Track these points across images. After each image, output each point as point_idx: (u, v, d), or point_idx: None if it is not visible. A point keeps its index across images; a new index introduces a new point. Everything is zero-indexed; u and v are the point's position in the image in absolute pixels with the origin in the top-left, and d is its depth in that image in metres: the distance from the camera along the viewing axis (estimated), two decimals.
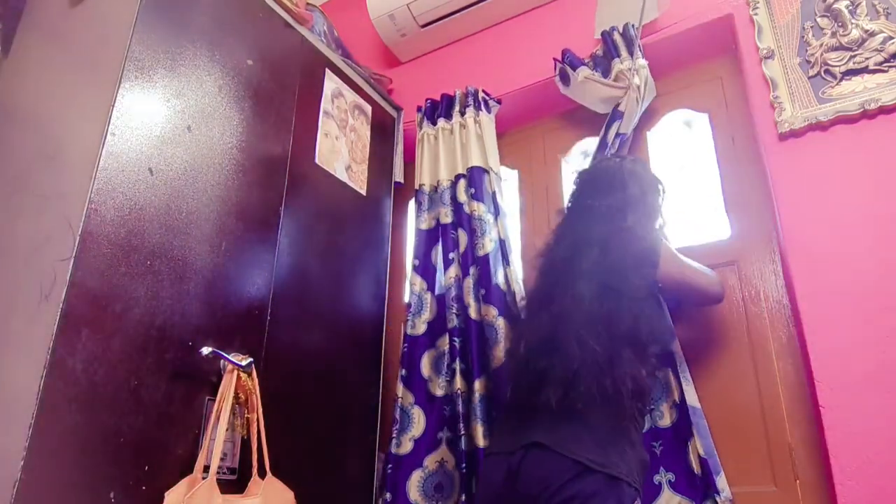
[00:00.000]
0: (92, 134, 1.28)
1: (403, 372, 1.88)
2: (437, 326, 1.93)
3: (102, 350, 1.17)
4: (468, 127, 2.06)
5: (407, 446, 1.80)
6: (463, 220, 1.94)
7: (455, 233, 1.97)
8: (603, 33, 1.91)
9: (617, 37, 1.88)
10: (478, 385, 1.72)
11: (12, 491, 1.00)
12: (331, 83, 1.99)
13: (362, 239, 2.00)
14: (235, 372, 1.34)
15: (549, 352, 1.31)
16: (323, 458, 1.66)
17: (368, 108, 2.17)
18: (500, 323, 1.75)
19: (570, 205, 1.62)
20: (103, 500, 1.13)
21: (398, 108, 2.34)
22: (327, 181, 1.88)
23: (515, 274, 1.84)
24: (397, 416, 1.82)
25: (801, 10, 1.69)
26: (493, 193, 1.96)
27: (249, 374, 1.37)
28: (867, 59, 1.55)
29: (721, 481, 1.44)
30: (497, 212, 1.93)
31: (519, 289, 1.81)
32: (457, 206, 1.98)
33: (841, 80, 1.57)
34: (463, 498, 1.66)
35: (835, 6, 1.63)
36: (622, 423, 1.27)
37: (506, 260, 1.86)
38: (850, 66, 1.57)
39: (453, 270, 1.91)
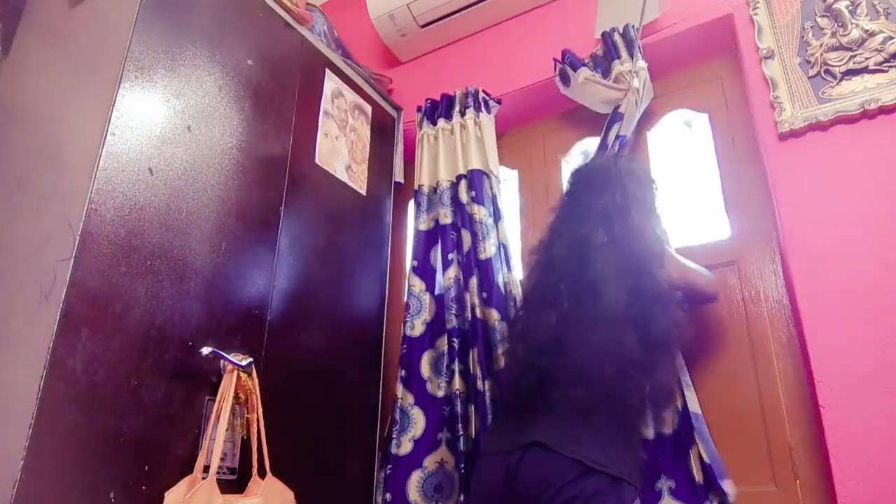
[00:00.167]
0: (92, 134, 1.28)
1: (403, 373, 1.88)
2: (436, 327, 1.93)
3: (102, 350, 1.17)
4: (468, 128, 2.06)
5: (407, 447, 1.80)
6: (465, 221, 1.93)
7: (454, 234, 1.97)
8: (603, 34, 1.91)
9: (617, 38, 1.87)
10: (488, 385, 1.72)
11: (12, 491, 1.00)
12: (331, 83, 1.99)
13: (362, 239, 2.00)
14: (235, 372, 1.34)
15: (555, 352, 1.30)
16: (323, 458, 1.66)
17: (368, 108, 2.17)
18: (502, 326, 1.75)
19: (564, 202, 1.59)
20: (103, 500, 1.13)
21: (398, 108, 2.34)
22: (327, 181, 1.88)
23: (515, 278, 1.84)
24: (397, 417, 1.82)
25: (801, 10, 1.69)
26: (494, 197, 1.96)
27: (249, 374, 1.37)
28: (867, 59, 1.55)
29: (728, 486, 1.41)
30: (497, 216, 1.93)
31: (519, 293, 1.81)
32: (459, 207, 1.98)
33: (841, 80, 1.57)
34: (462, 498, 1.66)
35: (835, 6, 1.63)
36: (624, 424, 1.27)
37: (507, 265, 1.86)
38: (850, 66, 1.57)
39: (453, 271, 1.91)
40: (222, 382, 1.33)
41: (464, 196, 1.97)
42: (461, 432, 1.71)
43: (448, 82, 2.22)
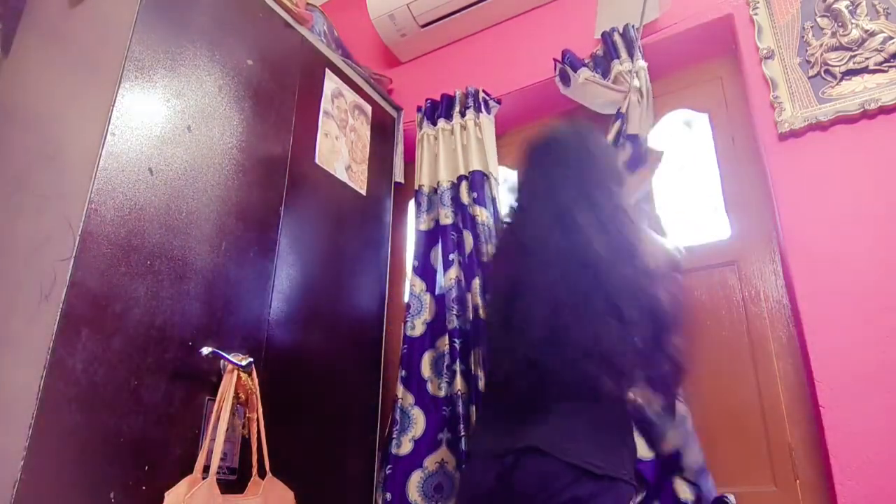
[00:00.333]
0: (92, 134, 1.28)
1: (403, 373, 1.88)
2: (436, 327, 1.93)
3: (102, 350, 1.17)
4: (468, 129, 2.06)
5: (407, 447, 1.80)
6: (467, 221, 1.93)
7: (455, 234, 1.96)
8: (603, 34, 1.90)
9: (617, 38, 1.87)
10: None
11: (12, 491, 1.00)
12: (331, 83, 1.99)
13: (362, 239, 2.00)
14: (235, 372, 1.34)
15: (546, 344, 1.22)
16: (323, 458, 1.66)
17: (368, 108, 2.17)
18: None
19: (526, 178, 1.46)
20: (103, 500, 1.12)
21: (398, 108, 2.34)
22: (327, 181, 1.88)
23: None
24: (397, 417, 1.82)
25: (801, 10, 1.69)
26: (494, 199, 1.96)
27: (249, 374, 1.37)
28: (867, 59, 1.55)
29: (712, 485, 1.40)
30: (497, 217, 1.93)
31: None
32: (460, 207, 1.98)
33: (841, 80, 1.57)
34: None
35: (835, 6, 1.63)
36: (617, 421, 1.25)
37: None
38: (850, 66, 1.57)
39: (454, 272, 1.91)
40: (222, 382, 1.33)
41: (465, 197, 1.97)
42: (463, 433, 1.70)
43: (448, 82, 2.21)
